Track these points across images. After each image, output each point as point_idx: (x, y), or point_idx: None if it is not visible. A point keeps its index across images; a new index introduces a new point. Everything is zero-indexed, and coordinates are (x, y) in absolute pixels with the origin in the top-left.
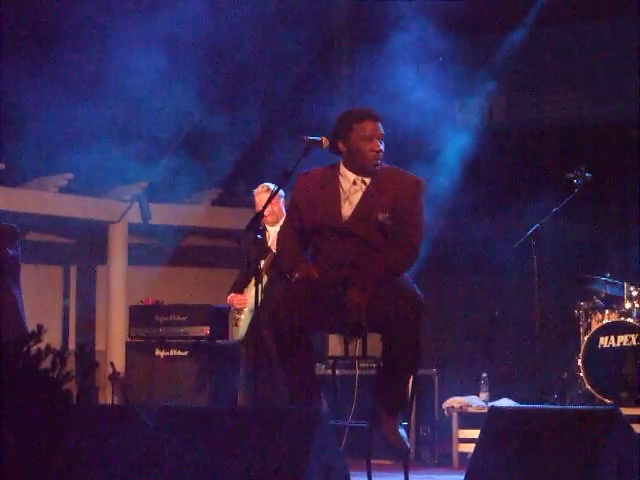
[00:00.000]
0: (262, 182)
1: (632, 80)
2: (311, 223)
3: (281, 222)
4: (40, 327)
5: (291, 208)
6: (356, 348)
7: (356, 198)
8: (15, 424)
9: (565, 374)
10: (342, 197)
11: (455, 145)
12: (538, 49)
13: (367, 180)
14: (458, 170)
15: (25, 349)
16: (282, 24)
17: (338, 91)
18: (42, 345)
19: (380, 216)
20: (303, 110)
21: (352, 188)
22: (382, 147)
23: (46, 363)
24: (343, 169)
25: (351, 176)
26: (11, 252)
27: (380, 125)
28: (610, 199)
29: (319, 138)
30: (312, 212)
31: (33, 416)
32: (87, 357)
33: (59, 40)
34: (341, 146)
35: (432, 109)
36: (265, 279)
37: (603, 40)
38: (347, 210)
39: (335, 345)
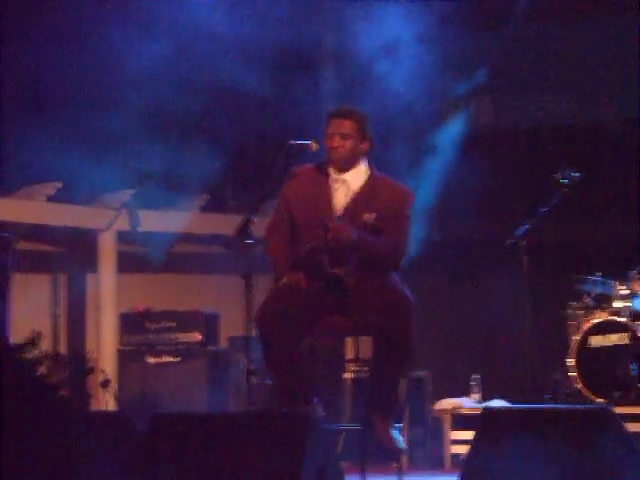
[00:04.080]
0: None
1: (621, 79)
2: (302, 217)
3: None
4: (38, 334)
5: (280, 202)
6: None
7: (344, 201)
8: (12, 429)
9: (557, 374)
10: (332, 194)
11: (441, 147)
12: (524, 49)
13: (347, 180)
14: (446, 172)
15: (22, 355)
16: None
17: (323, 95)
18: (39, 351)
19: (365, 216)
20: (291, 113)
21: (336, 188)
22: (343, 143)
23: (42, 369)
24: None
25: (334, 174)
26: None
27: (343, 121)
28: (599, 199)
29: (308, 142)
30: (303, 206)
31: (30, 421)
32: (83, 363)
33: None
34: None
35: (418, 110)
36: None
37: (592, 39)
38: (336, 211)
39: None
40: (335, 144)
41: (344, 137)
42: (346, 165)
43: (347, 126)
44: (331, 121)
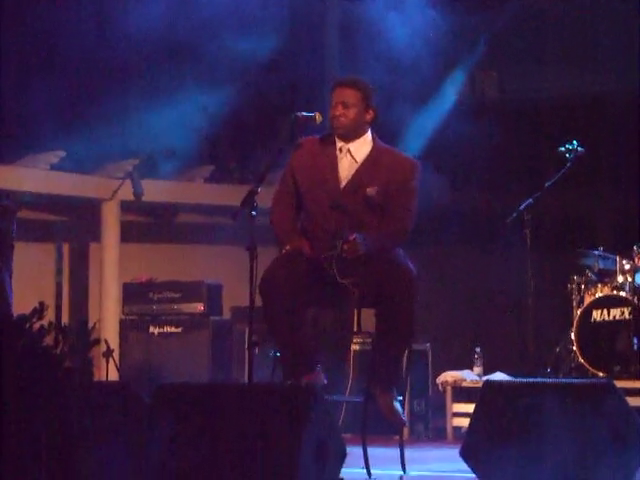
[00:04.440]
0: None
1: (625, 53)
2: (307, 188)
3: None
4: (42, 304)
5: (286, 172)
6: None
7: (349, 172)
8: (18, 400)
9: (558, 348)
10: (338, 164)
11: (446, 119)
12: (529, 23)
13: (351, 150)
14: (450, 144)
15: (28, 326)
16: None
17: (329, 64)
18: (44, 322)
19: (369, 190)
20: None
21: (340, 158)
22: (345, 112)
23: (48, 340)
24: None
25: (338, 143)
26: (3, 228)
27: (346, 90)
28: (603, 173)
29: (312, 114)
30: (309, 176)
31: (36, 392)
32: (89, 333)
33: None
34: None
35: (422, 82)
36: None
37: (596, 13)
38: (341, 183)
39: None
40: (337, 112)
41: (347, 106)
42: (348, 134)
43: (350, 95)
44: (335, 90)
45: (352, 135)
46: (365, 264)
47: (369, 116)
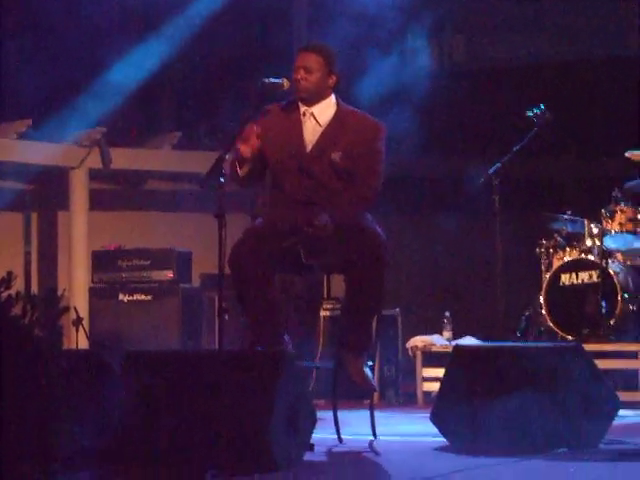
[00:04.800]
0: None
1: (594, 19)
2: (273, 153)
3: None
4: (10, 274)
5: None
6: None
7: (314, 135)
8: None
9: (527, 312)
10: (303, 131)
11: (414, 85)
12: None
13: (315, 113)
14: (417, 109)
15: None
16: None
17: (297, 31)
18: (12, 292)
19: (333, 155)
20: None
21: (304, 122)
22: (306, 76)
23: (16, 310)
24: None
25: (302, 107)
26: None
27: (309, 55)
28: (570, 137)
29: (280, 80)
30: (274, 142)
31: (5, 363)
32: (57, 302)
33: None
34: None
35: (388, 48)
36: None
37: None
38: (307, 147)
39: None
40: (299, 76)
41: (308, 70)
42: (311, 98)
43: (312, 60)
44: (298, 55)
45: (315, 99)
46: (332, 237)
47: (331, 81)
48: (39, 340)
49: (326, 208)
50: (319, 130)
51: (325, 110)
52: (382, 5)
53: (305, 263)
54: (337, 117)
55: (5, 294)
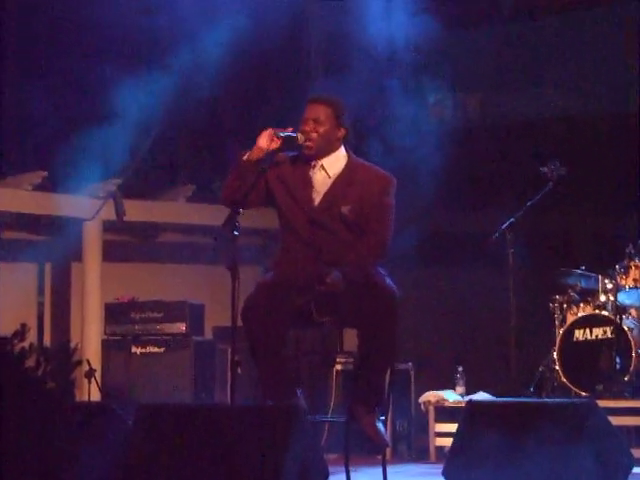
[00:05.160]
0: None
1: (609, 76)
2: (283, 203)
3: None
4: (24, 326)
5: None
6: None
7: (324, 188)
8: (0, 424)
9: (541, 367)
10: (313, 183)
11: (429, 141)
12: (511, 45)
13: (325, 164)
14: (433, 165)
15: (9, 348)
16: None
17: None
18: (26, 344)
19: (343, 208)
20: (277, 102)
21: (314, 174)
22: (315, 128)
23: (29, 362)
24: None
25: (309, 160)
26: None
27: (318, 107)
28: (584, 192)
29: (295, 134)
30: (284, 191)
31: (17, 415)
32: (70, 355)
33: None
34: None
35: (405, 104)
36: None
37: (579, 36)
38: (316, 199)
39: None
40: (308, 128)
41: (318, 122)
42: (320, 151)
43: (321, 112)
44: (307, 106)
45: (324, 151)
46: (344, 294)
47: (340, 133)
48: (51, 392)
49: (337, 265)
50: (329, 182)
51: (335, 162)
52: (397, 62)
53: (317, 320)
54: (347, 170)
55: (19, 346)
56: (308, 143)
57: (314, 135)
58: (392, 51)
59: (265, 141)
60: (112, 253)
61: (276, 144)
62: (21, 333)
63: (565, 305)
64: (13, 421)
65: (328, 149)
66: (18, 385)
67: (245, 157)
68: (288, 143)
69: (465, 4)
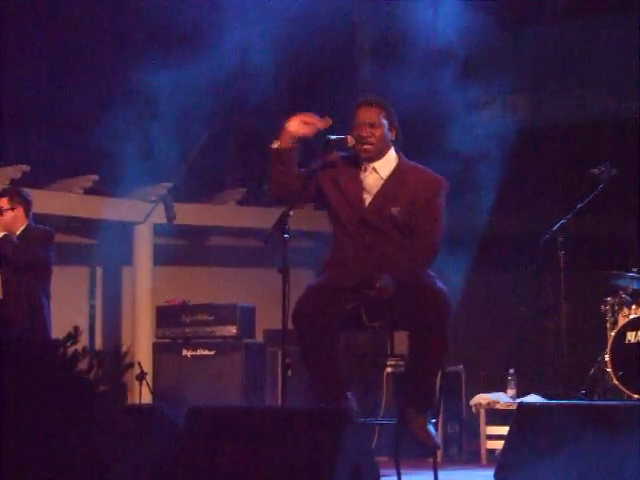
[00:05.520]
0: None
1: None
2: (334, 204)
3: None
4: (76, 329)
5: (312, 180)
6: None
7: (374, 188)
8: (51, 427)
9: (592, 370)
10: (364, 184)
11: (480, 142)
12: (561, 45)
13: (377, 166)
14: (485, 167)
15: (62, 351)
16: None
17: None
18: (78, 347)
19: (393, 210)
20: (327, 103)
21: (366, 176)
22: (372, 132)
23: (82, 365)
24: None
25: (362, 161)
26: (42, 254)
27: (371, 110)
28: (635, 194)
29: (344, 137)
30: (335, 193)
31: (69, 418)
32: (123, 358)
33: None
34: None
35: (456, 104)
36: None
37: (629, 35)
38: (366, 199)
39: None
40: (364, 133)
41: (373, 126)
42: (377, 154)
43: (375, 115)
44: (359, 110)
45: (379, 154)
46: (394, 297)
47: (393, 134)
48: (103, 396)
49: (387, 268)
50: (379, 183)
51: (386, 164)
52: (446, 62)
53: (368, 325)
54: (398, 171)
55: (71, 349)
56: (367, 147)
57: (372, 140)
58: (442, 52)
59: (295, 126)
60: (163, 256)
61: (306, 130)
62: (73, 336)
63: (617, 307)
64: (65, 425)
65: (382, 151)
66: (70, 388)
67: (276, 146)
68: (340, 147)
69: (516, 4)
